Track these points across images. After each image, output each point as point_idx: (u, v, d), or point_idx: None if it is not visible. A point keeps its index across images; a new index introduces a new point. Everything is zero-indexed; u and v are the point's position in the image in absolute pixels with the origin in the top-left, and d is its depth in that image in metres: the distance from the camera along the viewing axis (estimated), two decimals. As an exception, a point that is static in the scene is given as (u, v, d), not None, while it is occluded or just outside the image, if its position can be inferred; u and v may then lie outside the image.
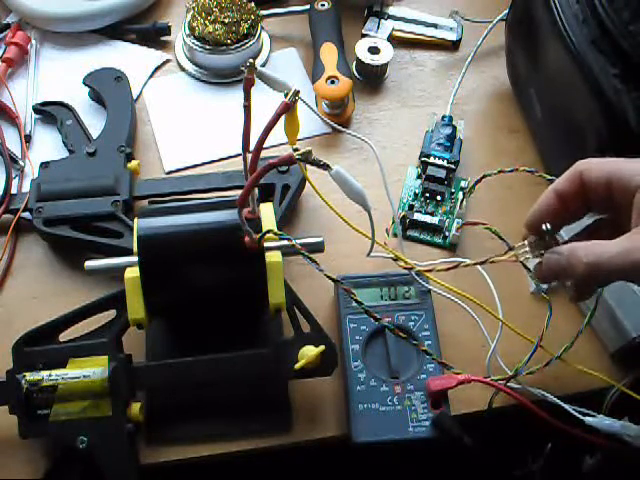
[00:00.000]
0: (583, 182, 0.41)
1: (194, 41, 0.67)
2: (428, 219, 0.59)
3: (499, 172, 0.53)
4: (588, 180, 0.41)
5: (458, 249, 0.58)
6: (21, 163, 0.61)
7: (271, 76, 0.45)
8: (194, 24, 0.66)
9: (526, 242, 0.43)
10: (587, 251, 0.38)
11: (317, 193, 0.43)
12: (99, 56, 0.69)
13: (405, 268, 0.51)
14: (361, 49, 0.67)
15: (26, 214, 0.57)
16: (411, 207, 0.59)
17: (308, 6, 0.70)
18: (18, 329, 0.48)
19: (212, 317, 0.51)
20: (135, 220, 0.48)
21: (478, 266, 0.51)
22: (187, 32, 0.67)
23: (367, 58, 0.66)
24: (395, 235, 0.58)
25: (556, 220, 0.42)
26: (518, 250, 0.44)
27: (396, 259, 0.51)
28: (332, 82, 0.63)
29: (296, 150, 0.39)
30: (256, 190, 0.48)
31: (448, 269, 0.48)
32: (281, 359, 0.47)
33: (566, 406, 0.48)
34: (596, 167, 0.41)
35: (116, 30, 0.70)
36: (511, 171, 0.52)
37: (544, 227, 0.41)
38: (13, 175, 0.60)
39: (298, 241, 0.43)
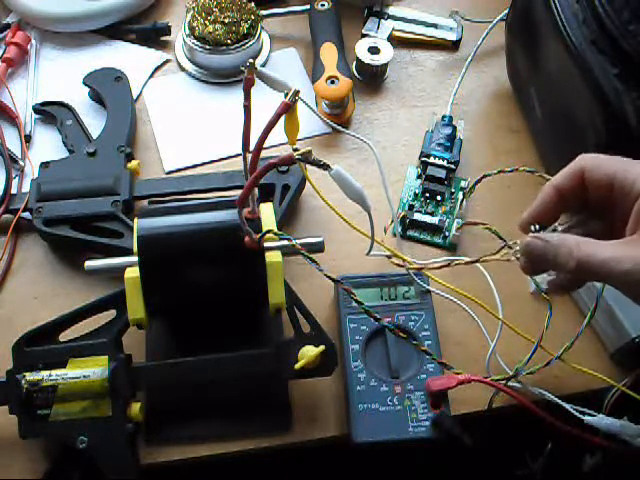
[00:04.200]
0: (584, 179, 0.40)
1: (194, 41, 0.67)
2: (428, 219, 0.59)
3: (499, 172, 0.53)
4: (589, 178, 0.40)
5: (458, 249, 0.58)
6: (21, 163, 0.61)
7: (271, 76, 0.45)
8: (194, 24, 0.66)
9: (518, 241, 0.42)
10: (579, 246, 0.37)
11: (317, 193, 0.43)
12: (99, 56, 0.69)
13: (399, 265, 0.51)
14: (361, 49, 0.67)
15: (26, 214, 0.57)
16: (411, 207, 0.59)
17: (308, 6, 0.70)
18: (18, 329, 0.48)
19: (212, 317, 0.51)
20: (135, 220, 0.48)
21: (479, 265, 0.52)
22: (187, 32, 0.67)
23: (367, 58, 0.66)
24: (395, 235, 0.58)
25: (555, 215, 0.42)
26: (512, 248, 0.42)
27: (391, 256, 0.51)
28: (332, 82, 0.63)
29: (296, 150, 0.39)
30: (256, 190, 0.48)
31: (441, 267, 0.48)
32: (281, 359, 0.47)
33: (566, 406, 0.48)
34: (599, 166, 0.39)
35: (116, 30, 0.70)
36: (511, 171, 0.52)
37: (532, 228, 0.40)
38: (13, 175, 0.60)
39: (298, 241, 0.43)
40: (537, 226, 0.41)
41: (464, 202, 0.58)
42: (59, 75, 0.68)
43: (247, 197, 0.42)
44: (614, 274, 0.36)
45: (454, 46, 0.71)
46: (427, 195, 0.60)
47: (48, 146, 0.63)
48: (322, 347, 0.46)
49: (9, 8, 0.70)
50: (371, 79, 0.68)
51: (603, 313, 0.52)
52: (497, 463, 0.58)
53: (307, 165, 0.40)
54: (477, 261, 0.45)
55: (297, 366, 0.46)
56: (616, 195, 0.39)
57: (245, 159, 0.48)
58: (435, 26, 0.71)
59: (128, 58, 0.69)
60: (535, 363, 0.48)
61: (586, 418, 0.47)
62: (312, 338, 0.47)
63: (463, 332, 0.53)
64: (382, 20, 0.70)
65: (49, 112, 0.63)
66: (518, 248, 0.41)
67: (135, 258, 0.46)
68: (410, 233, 0.59)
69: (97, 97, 0.65)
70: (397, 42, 0.70)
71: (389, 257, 0.51)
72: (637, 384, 0.50)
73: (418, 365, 0.50)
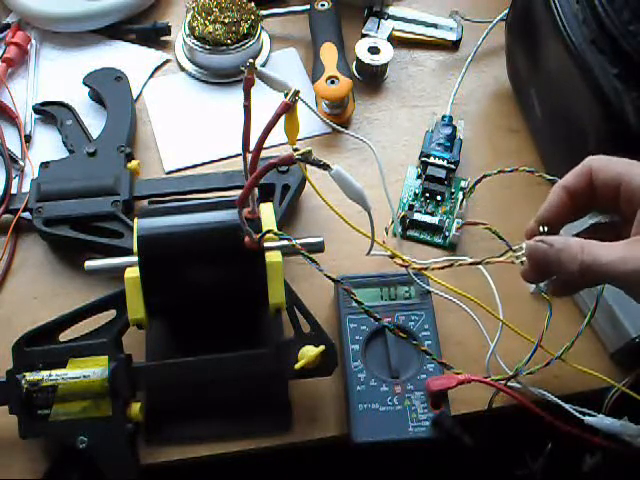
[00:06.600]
0: (592, 180, 0.40)
1: (194, 41, 0.67)
2: (428, 219, 0.59)
3: (499, 172, 0.53)
4: (596, 179, 0.40)
5: (458, 249, 0.58)
6: (21, 163, 0.61)
7: (271, 76, 0.45)
8: (194, 24, 0.66)
9: (524, 244, 0.41)
10: (583, 249, 0.37)
11: (317, 193, 0.43)
12: (99, 56, 0.69)
13: (401, 265, 0.51)
14: (361, 49, 0.67)
15: (26, 214, 0.57)
16: (411, 207, 0.59)
17: (308, 6, 0.70)
18: (18, 329, 0.48)
19: (212, 317, 0.51)
20: (135, 220, 0.48)
21: (480, 266, 0.52)
22: (187, 32, 0.67)
23: (367, 58, 0.66)
24: (395, 235, 0.58)
25: (566, 216, 0.42)
26: (516, 252, 0.42)
27: (393, 257, 0.51)
28: (332, 82, 0.63)
29: (296, 150, 0.39)
30: (256, 190, 0.48)
31: (443, 267, 0.48)
32: (281, 359, 0.47)
33: (566, 406, 0.48)
34: (606, 167, 0.40)
35: (116, 30, 0.70)
36: (511, 171, 0.52)
37: (541, 229, 0.40)
38: (13, 175, 0.60)
39: (298, 241, 0.43)
40: (545, 228, 0.40)
41: (464, 202, 0.58)
42: (59, 75, 0.68)
43: (247, 197, 0.42)
44: (618, 274, 0.36)
45: (454, 46, 0.71)
46: (427, 195, 0.60)
47: (48, 146, 0.63)
48: (322, 347, 0.46)
49: (9, 8, 0.70)
50: (371, 79, 0.68)
51: (603, 313, 0.52)
52: (497, 463, 0.58)
53: (307, 165, 0.40)
54: (481, 262, 0.44)
55: (297, 366, 0.46)
56: (622, 197, 0.39)
57: (245, 159, 0.48)
58: (435, 26, 0.71)
59: (128, 58, 0.69)
60: (535, 363, 0.48)
61: (586, 418, 0.47)
62: (312, 338, 0.47)
63: (463, 332, 0.53)
64: (382, 20, 0.70)
65: (49, 112, 0.63)
66: (523, 252, 0.41)
67: (135, 258, 0.46)
68: (410, 233, 0.59)
69: (97, 97, 0.65)
70: (397, 42, 0.70)
71: (392, 257, 0.51)
72: (637, 384, 0.51)
73: (418, 365, 0.50)
